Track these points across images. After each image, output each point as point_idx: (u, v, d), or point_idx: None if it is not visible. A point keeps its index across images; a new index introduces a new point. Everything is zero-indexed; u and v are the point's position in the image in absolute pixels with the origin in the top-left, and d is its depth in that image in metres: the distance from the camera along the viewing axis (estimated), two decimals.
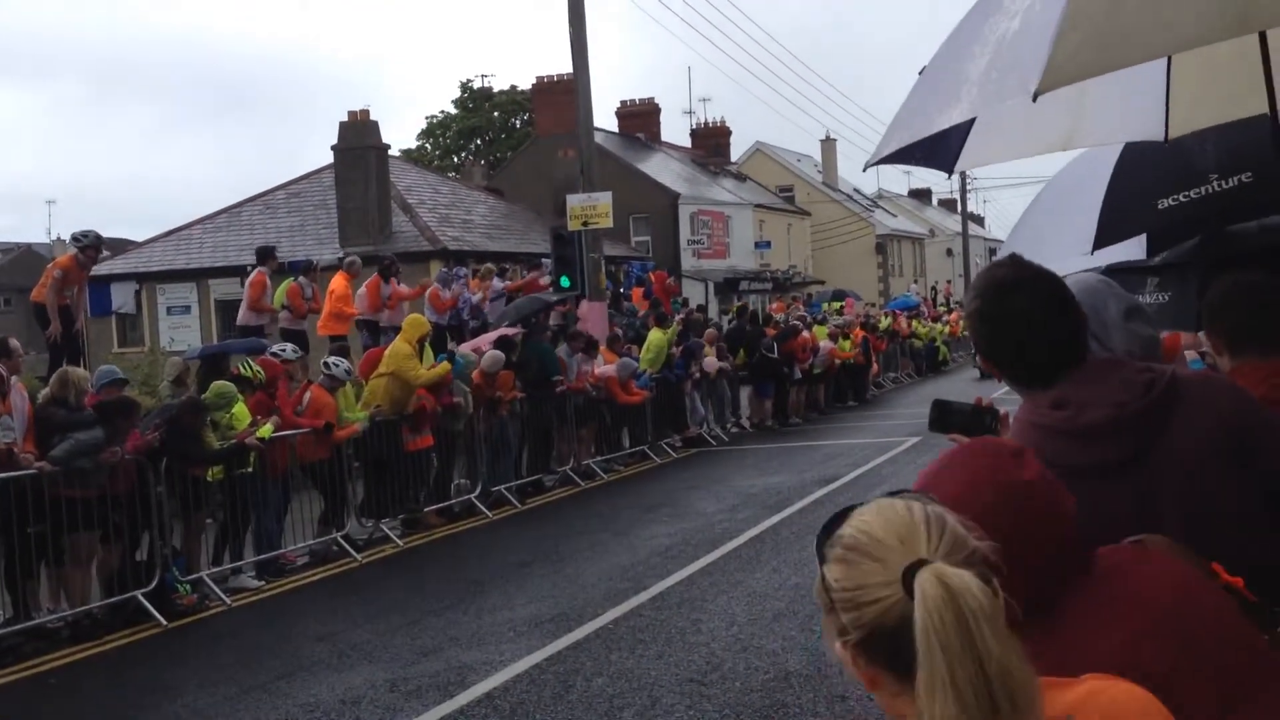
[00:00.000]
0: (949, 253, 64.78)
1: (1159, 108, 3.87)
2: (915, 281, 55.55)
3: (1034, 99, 2.54)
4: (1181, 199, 3.85)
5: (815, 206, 52.75)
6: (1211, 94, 3.99)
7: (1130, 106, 3.93)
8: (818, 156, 59.36)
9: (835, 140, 58.74)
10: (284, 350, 11.89)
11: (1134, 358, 2.51)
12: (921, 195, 75.91)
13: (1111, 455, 2.15)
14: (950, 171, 4.01)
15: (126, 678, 7.98)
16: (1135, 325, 2.62)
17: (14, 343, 9.62)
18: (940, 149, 3.72)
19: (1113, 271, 5.15)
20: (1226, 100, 3.99)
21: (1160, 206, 3.91)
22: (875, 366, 28.49)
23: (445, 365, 12.89)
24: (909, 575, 1.33)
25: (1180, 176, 3.89)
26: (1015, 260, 2.38)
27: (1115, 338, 2.57)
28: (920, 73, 3.52)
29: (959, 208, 61.15)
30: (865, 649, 1.38)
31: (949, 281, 54.48)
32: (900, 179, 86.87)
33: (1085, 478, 2.11)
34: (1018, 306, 2.26)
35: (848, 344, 25.11)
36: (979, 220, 75.35)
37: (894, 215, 62.63)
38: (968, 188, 58.22)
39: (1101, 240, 4.07)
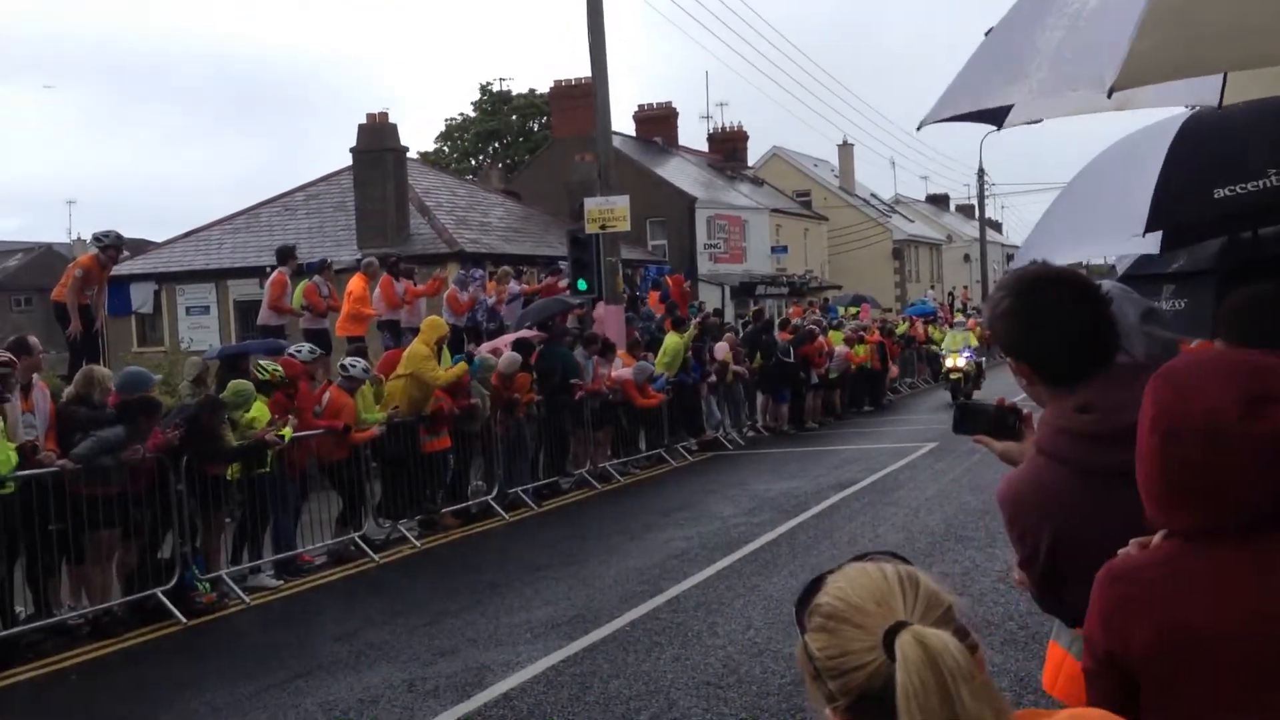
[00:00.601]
0: (966, 258, 64.60)
1: (1216, 76, 3.83)
2: (932, 287, 55.42)
3: (1109, 95, 2.52)
4: (1238, 190, 3.81)
5: (832, 211, 52.69)
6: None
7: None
8: (835, 161, 59.30)
9: (853, 145, 58.72)
10: (300, 350, 11.91)
11: (1154, 360, 2.53)
12: (939, 200, 75.73)
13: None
14: (1000, 126, 3.97)
15: (146, 675, 8.02)
16: (1153, 328, 2.64)
17: (33, 340, 9.67)
18: (994, 107, 3.69)
19: (1128, 278, 5.13)
20: None
21: (1216, 195, 3.87)
22: (894, 370, 28.46)
23: (462, 366, 12.93)
24: (889, 637, 1.35)
25: (1238, 167, 3.86)
26: (1045, 262, 2.40)
27: (1136, 342, 2.59)
28: (987, 34, 3.48)
29: (977, 213, 60.95)
30: (854, 714, 1.39)
31: (965, 287, 54.35)
32: (918, 184, 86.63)
33: (1111, 480, 2.13)
34: (1050, 302, 2.28)
35: (863, 349, 25.07)
36: (997, 226, 75.11)
37: (911, 220, 62.49)
38: (986, 193, 58.03)
39: (1154, 223, 4.02)
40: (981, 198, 57.92)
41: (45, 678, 8.03)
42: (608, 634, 8.05)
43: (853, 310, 33.05)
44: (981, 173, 55.83)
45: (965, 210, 74.29)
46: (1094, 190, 4.53)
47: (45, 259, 53.26)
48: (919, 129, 3.66)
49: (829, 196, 54.38)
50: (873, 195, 60.43)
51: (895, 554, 1.49)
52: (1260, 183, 3.77)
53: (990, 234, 60.74)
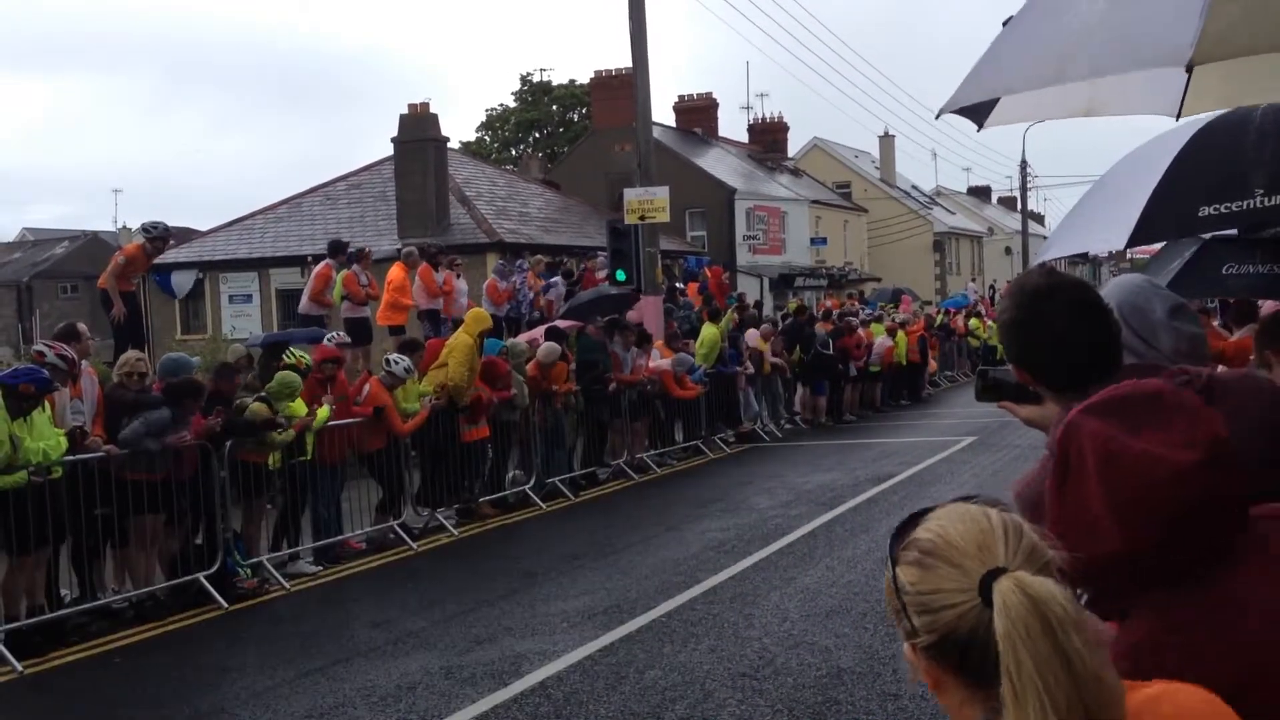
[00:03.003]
0: (1007, 251, 64.08)
1: (1178, 87, 3.81)
2: (973, 279, 54.97)
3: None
4: (1222, 209, 3.78)
5: (872, 203, 52.40)
6: (1232, 80, 3.92)
7: (1151, 83, 3.88)
8: (876, 153, 58.95)
9: (894, 137, 58.30)
10: (331, 339, 11.94)
11: (1180, 355, 2.51)
12: (980, 193, 75.08)
13: None
14: (981, 126, 3.98)
15: (188, 658, 8.14)
16: (1181, 323, 2.61)
17: (81, 327, 9.82)
18: (979, 103, 3.71)
19: (1220, 240, 5.07)
20: (1246, 87, 3.92)
21: (1200, 214, 3.85)
22: (932, 365, 28.28)
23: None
24: (986, 583, 1.33)
25: (1228, 185, 3.82)
26: (1048, 269, 2.41)
27: (1162, 337, 2.58)
28: (1004, 24, 3.47)
29: (1019, 205, 60.39)
30: (935, 653, 1.38)
31: (1009, 281, 53.79)
32: (960, 176, 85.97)
33: None
34: (1052, 312, 2.27)
35: (903, 344, 24.85)
36: (1039, 218, 74.36)
37: (952, 213, 62.01)
38: (1028, 185, 57.48)
39: (1137, 238, 4.02)
40: (1024, 190, 57.44)
41: (90, 659, 8.16)
42: (644, 624, 8.08)
43: (893, 304, 32.85)
44: (1024, 165, 55.37)
45: (1007, 202, 73.66)
46: (1116, 189, 4.51)
47: (91, 247, 53.91)
48: (937, 117, 3.67)
49: (869, 188, 54.06)
50: (914, 187, 60.03)
51: (1000, 500, 1.46)
52: (1245, 203, 3.73)
53: (1032, 226, 60.15)
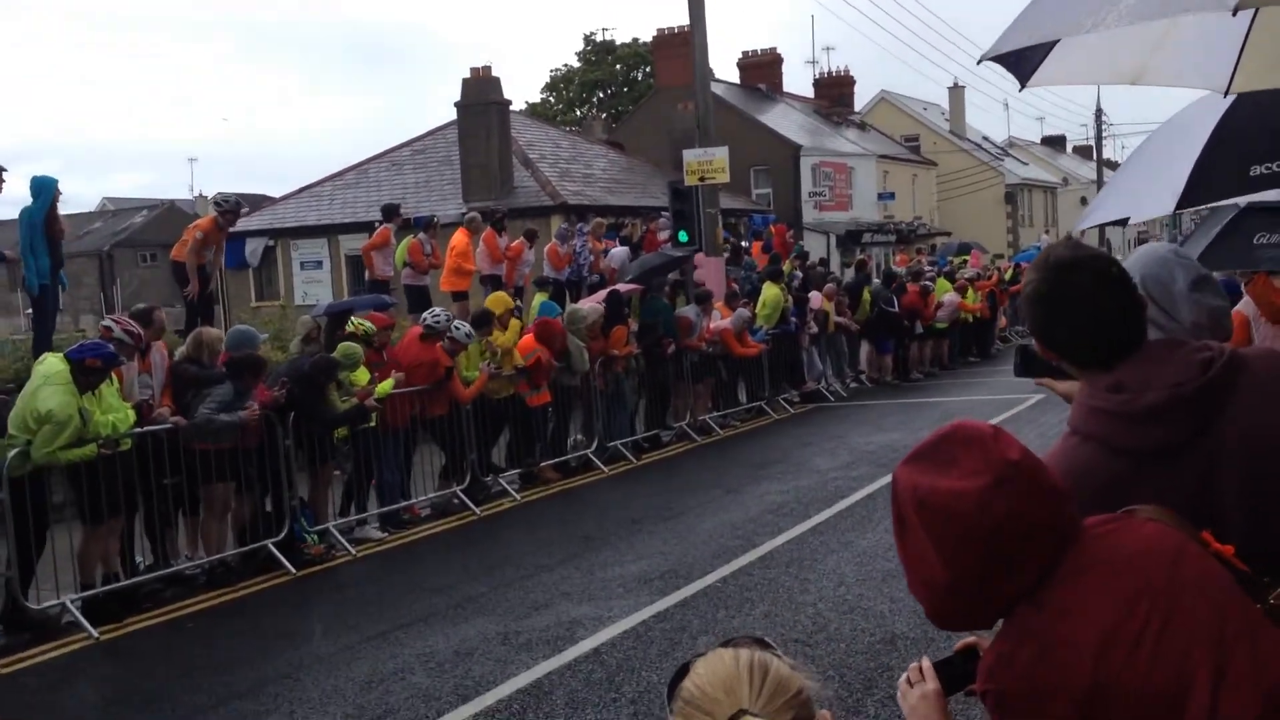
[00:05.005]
0: (1083, 201, 62.64)
1: (1229, 62, 3.72)
2: (1046, 231, 53.93)
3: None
4: (1275, 168, 3.69)
5: (942, 156, 51.49)
6: None
7: (1205, 54, 3.80)
8: (945, 104, 57.85)
9: (963, 88, 57.07)
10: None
11: (1201, 329, 2.47)
12: (1055, 143, 73.44)
13: (1171, 436, 2.12)
14: (1024, 85, 3.92)
15: (257, 623, 8.38)
16: (1203, 295, 2.57)
17: (159, 315, 9.99)
18: (1024, 59, 3.65)
19: (1254, 210, 4.97)
20: None
21: (1252, 173, 3.76)
22: (1002, 320, 27.85)
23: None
24: None
25: (1275, 145, 3.73)
26: (1073, 242, 2.36)
27: (1183, 309, 2.54)
28: None
29: (1094, 155, 58.98)
30: None
31: (1083, 231, 52.71)
32: (1033, 126, 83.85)
33: (1146, 459, 2.11)
34: (1076, 286, 2.22)
35: (974, 297, 24.54)
36: (1114, 167, 72.59)
37: (1025, 164, 60.73)
38: (1104, 134, 56.09)
39: (1187, 200, 3.94)
40: (1099, 139, 56.09)
41: (163, 625, 8.44)
42: (699, 590, 8.14)
43: (962, 258, 32.35)
44: (1099, 113, 54.04)
45: (1083, 152, 71.93)
46: (1159, 153, 4.41)
47: (169, 216, 54.82)
48: (979, 63, 3.60)
49: (939, 141, 53.10)
50: (985, 138, 58.86)
51: (760, 639, 1.63)
52: None
53: (1108, 176, 58.79)
